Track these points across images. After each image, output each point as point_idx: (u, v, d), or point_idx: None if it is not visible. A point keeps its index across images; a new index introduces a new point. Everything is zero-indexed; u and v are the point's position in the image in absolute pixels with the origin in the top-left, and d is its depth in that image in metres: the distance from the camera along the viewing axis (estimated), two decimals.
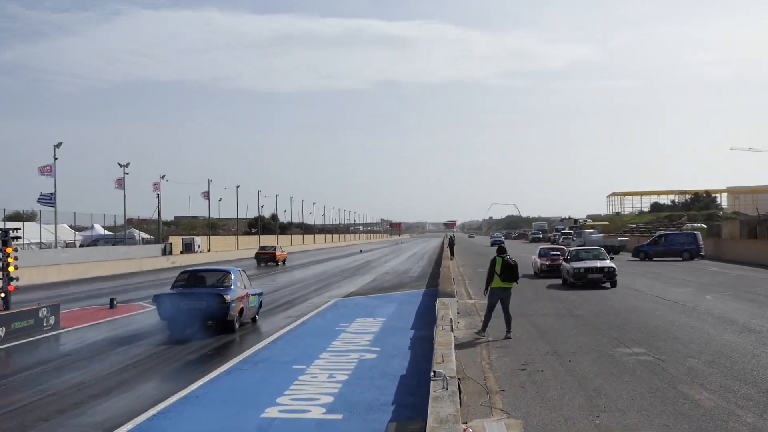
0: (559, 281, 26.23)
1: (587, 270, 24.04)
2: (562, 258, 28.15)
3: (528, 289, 25.02)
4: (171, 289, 16.66)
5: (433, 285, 26.15)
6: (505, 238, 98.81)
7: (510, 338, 14.21)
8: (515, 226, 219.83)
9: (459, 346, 13.12)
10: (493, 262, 14.75)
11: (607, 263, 24.38)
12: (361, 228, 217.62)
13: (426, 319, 16.97)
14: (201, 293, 16.03)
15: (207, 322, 16.12)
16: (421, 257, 60.80)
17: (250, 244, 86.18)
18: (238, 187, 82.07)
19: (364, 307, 20.84)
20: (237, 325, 16.55)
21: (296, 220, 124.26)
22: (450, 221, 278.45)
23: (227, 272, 17.16)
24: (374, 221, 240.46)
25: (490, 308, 14.76)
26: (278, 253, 51.14)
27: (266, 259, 50.13)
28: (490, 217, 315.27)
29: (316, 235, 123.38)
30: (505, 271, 14.55)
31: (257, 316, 18.40)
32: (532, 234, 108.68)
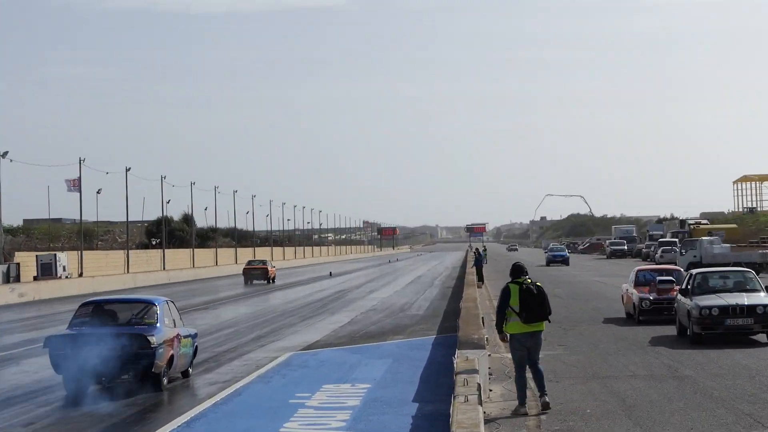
0: (671, 330, 24.68)
1: (724, 311, 21.97)
2: (676, 288, 26.60)
3: (606, 335, 25.08)
4: (69, 328, 17.65)
5: (450, 329, 26.11)
6: (569, 251, 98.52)
7: (548, 405, 14.33)
8: (583, 231, 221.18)
9: (491, 426, 13.15)
10: (506, 293, 14.62)
11: (763, 298, 22.25)
12: (330, 237, 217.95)
13: (438, 386, 17.01)
14: (114, 334, 17.02)
15: (122, 376, 17.15)
16: (429, 283, 61.02)
17: (150, 264, 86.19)
18: (128, 170, 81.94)
19: (335, 365, 20.90)
20: (165, 381, 17.59)
21: (224, 223, 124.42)
22: (476, 225, 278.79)
23: (150, 303, 18.27)
24: (353, 225, 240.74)
25: (519, 367, 14.72)
26: (269, 268, 68.15)
27: (256, 275, 67.28)
28: (542, 218, 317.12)
29: (257, 248, 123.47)
30: (527, 304, 14.47)
31: (191, 368, 19.46)
32: (612, 244, 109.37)
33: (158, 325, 17.55)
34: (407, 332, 28.41)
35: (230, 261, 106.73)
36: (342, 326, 31.23)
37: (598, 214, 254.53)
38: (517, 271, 14.81)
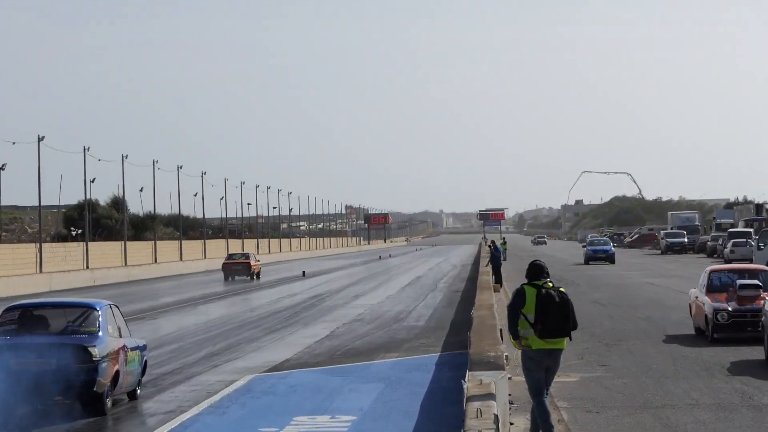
0: (757, 352, 24.34)
1: None
2: (765, 295, 26.38)
3: (661, 354, 25.17)
4: None
5: (459, 345, 26.20)
6: (615, 245, 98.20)
7: None
8: (630, 218, 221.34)
9: None
10: (520, 295, 14.75)
11: None
12: (303, 226, 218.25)
13: (443, 417, 17.01)
14: (47, 345, 17.61)
15: (56, 397, 17.62)
16: (431, 286, 61.32)
17: (69, 261, 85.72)
18: (41, 139, 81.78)
19: (310, 392, 20.94)
20: (109, 404, 18.12)
21: (165, 209, 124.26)
22: (493, 210, 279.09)
23: (90, 308, 18.90)
24: (333, 211, 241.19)
25: (537, 393, 14.70)
26: (253, 263, 78.69)
27: (237, 271, 77.37)
28: (578, 202, 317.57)
29: (209, 241, 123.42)
30: (545, 313, 14.55)
31: (139, 388, 20.18)
32: (669, 236, 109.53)
33: (100, 334, 17.99)
34: (403, 349, 28.46)
35: (174, 257, 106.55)
36: (318, 341, 31.25)
37: (649, 196, 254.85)
38: (536, 271, 14.76)
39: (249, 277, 76.24)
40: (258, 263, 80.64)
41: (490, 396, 14.08)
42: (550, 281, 14.72)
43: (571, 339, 14.83)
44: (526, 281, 14.77)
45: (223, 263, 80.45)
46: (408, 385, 21.35)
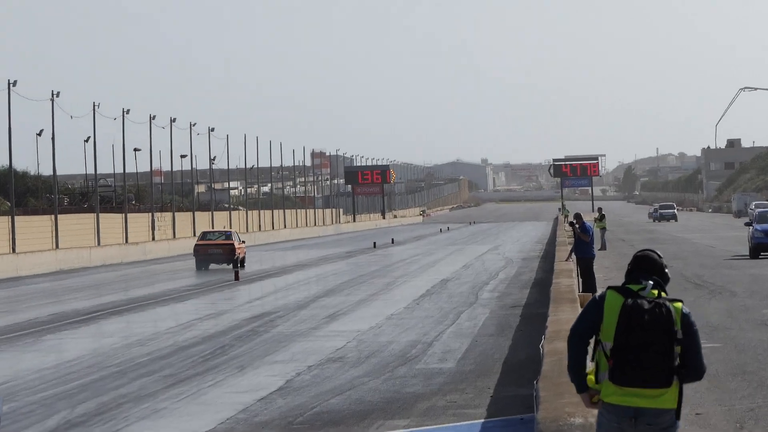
0: None
1: None
2: None
3: None
4: None
5: (520, 404, 26.58)
6: None
7: None
8: None
9: None
10: (593, 310, 14.69)
11: None
12: (236, 189, 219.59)
13: None
14: None
15: None
16: (468, 297, 62.32)
17: None
18: None
19: None
20: None
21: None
22: (577, 159, 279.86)
23: None
24: (289, 161, 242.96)
25: None
26: (237, 244, 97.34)
27: (215, 256, 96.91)
28: (730, 144, 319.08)
29: (65, 216, 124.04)
30: (628, 340, 14.41)
31: None
32: None
33: None
34: (418, 412, 28.70)
35: (1, 245, 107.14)
36: (264, 398, 31.46)
37: None
38: (640, 266, 14.64)
39: (231, 265, 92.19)
40: (243, 246, 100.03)
41: None
42: (656, 287, 14.47)
43: (681, 394, 14.34)
44: (623, 282, 14.60)
45: (196, 245, 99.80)
46: None
